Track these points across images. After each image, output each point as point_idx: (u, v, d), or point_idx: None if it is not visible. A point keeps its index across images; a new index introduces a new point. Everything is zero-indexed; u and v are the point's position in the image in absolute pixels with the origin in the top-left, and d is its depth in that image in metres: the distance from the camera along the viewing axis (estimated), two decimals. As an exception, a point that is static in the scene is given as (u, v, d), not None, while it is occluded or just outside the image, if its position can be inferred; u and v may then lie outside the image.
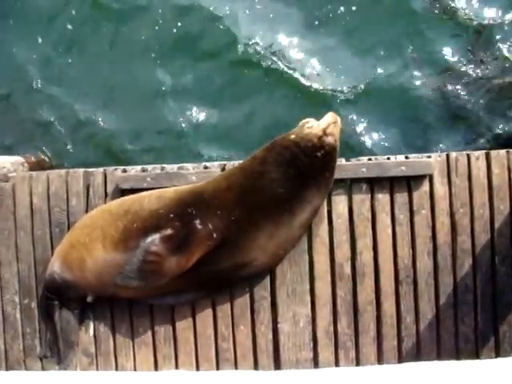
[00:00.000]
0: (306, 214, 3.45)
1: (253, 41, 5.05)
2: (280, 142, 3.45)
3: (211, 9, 5.12)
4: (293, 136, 3.46)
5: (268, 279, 3.64)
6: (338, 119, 3.49)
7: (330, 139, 3.40)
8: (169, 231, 3.32)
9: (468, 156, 3.68)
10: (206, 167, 3.78)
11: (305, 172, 3.39)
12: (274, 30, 5.10)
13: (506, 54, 4.93)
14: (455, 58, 5.01)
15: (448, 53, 5.02)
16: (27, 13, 5.26)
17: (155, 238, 3.31)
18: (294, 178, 3.38)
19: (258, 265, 3.45)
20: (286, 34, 5.11)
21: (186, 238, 3.30)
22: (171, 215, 3.35)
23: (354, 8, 5.05)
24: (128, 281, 3.35)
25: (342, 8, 5.05)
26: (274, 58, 5.02)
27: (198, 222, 3.31)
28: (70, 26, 5.20)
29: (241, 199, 3.35)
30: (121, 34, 5.17)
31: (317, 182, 3.43)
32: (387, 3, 5.06)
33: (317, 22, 5.09)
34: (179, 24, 5.12)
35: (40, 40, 5.22)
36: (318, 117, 3.54)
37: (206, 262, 3.35)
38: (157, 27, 5.13)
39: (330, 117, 3.48)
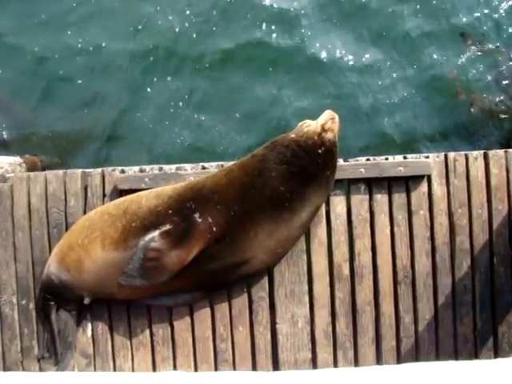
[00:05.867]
0: (307, 213, 3.45)
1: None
2: (281, 141, 3.45)
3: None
4: (293, 135, 3.46)
5: (266, 280, 3.64)
6: (336, 116, 3.48)
7: (329, 135, 3.40)
8: (168, 226, 3.32)
9: (466, 156, 3.68)
10: (203, 167, 3.77)
11: (306, 170, 3.38)
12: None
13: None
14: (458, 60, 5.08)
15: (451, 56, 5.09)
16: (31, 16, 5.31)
17: (154, 234, 3.31)
18: (294, 176, 3.37)
19: (256, 263, 3.44)
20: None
21: (185, 232, 3.30)
22: (170, 211, 3.35)
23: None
24: (131, 280, 3.35)
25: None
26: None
27: (197, 215, 3.31)
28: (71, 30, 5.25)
29: (241, 195, 3.34)
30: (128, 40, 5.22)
31: (318, 180, 3.42)
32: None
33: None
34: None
35: (43, 40, 5.23)
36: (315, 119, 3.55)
37: (205, 260, 3.35)
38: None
39: (327, 113, 3.48)
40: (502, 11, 5.17)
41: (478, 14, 5.17)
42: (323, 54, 5.08)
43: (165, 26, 5.19)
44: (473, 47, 5.09)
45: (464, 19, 5.17)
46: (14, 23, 5.26)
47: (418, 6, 5.20)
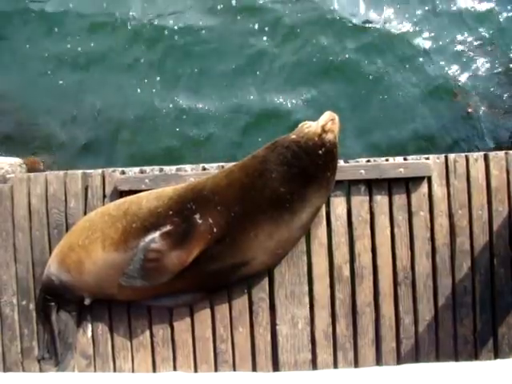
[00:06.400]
0: (307, 214, 3.45)
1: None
2: (281, 142, 3.44)
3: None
4: (293, 136, 3.45)
5: (266, 281, 3.64)
6: (336, 116, 3.48)
7: (329, 136, 3.40)
8: (168, 227, 3.32)
9: (466, 157, 3.68)
10: (204, 168, 3.78)
11: (306, 171, 3.38)
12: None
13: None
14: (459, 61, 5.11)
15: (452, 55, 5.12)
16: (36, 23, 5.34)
17: (155, 235, 3.31)
18: (295, 177, 3.36)
19: (257, 263, 3.44)
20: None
21: (186, 233, 3.30)
22: (170, 212, 3.35)
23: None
24: (132, 281, 3.35)
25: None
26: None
27: (197, 216, 3.31)
28: (72, 40, 5.29)
29: (241, 196, 3.34)
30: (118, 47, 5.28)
31: (318, 181, 3.42)
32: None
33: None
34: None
35: (43, 44, 5.26)
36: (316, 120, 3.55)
37: (205, 261, 3.35)
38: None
39: (327, 115, 3.47)
40: (500, 14, 5.19)
41: (477, 17, 5.19)
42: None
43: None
44: (471, 49, 5.11)
45: (463, 22, 5.19)
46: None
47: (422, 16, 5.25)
